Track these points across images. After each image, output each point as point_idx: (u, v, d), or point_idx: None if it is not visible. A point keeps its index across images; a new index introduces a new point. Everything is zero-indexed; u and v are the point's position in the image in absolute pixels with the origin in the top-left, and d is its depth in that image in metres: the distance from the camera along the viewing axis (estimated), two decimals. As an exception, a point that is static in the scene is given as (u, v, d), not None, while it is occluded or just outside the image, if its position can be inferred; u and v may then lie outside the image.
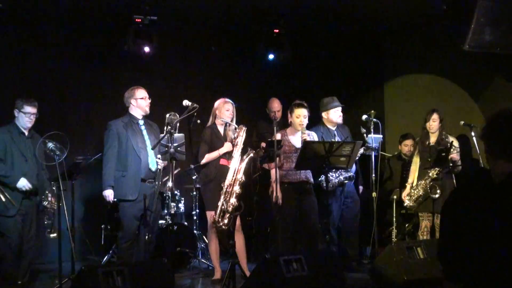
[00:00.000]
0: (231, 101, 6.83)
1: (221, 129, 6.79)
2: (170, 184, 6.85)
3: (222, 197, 6.30)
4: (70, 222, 6.06)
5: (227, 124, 6.74)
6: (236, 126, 6.67)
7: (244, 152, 6.42)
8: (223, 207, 6.27)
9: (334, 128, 7.41)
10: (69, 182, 6.20)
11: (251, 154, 6.31)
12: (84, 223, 8.04)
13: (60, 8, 7.96)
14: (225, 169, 6.46)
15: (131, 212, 6.37)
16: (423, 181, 7.15)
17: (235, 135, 6.57)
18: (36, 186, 6.47)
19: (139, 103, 6.56)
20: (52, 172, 6.41)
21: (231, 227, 6.25)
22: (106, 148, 6.50)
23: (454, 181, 7.16)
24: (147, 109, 6.60)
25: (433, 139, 7.30)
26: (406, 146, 8.27)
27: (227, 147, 6.62)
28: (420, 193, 7.15)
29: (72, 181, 6.32)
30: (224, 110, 6.77)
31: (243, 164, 6.31)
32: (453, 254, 2.48)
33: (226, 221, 6.26)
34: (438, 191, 7.00)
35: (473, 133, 7.31)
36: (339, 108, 7.38)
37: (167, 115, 6.39)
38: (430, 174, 7.09)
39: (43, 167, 6.58)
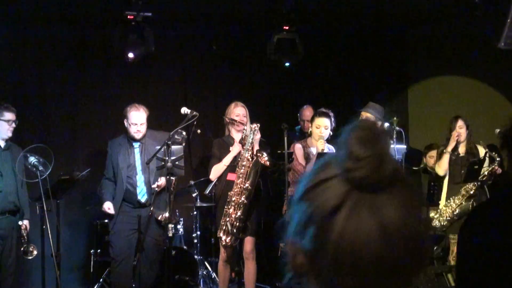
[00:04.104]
0: (242, 104, 6.82)
1: (237, 138, 6.73)
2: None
3: (225, 207, 6.33)
4: (55, 247, 6.09)
5: (235, 125, 6.69)
6: (246, 127, 6.60)
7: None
8: (227, 219, 6.30)
9: None
10: (53, 201, 6.23)
11: (260, 160, 6.26)
12: (71, 248, 8.05)
13: (40, 3, 7.95)
14: (233, 186, 6.44)
15: (121, 234, 6.60)
16: (458, 197, 7.13)
17: (243, 136, 6.56)
18: (17, 205, 6.51)
19: (129, 127, 6.71)
20: (34, 190, 6.45)
21: (238, 250, 6.28)
22: (105, 174, 6.88)
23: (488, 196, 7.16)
24: (136, 136, 6.72)
25: (462, 149, 7.30)
26: (432, 157, 8.24)
27: (234, 151, 6.55)
28: (456, 211, 7.12)
29: (57, 201, 6.36)
30: (234, 115, 6.77)
31: (252, 171, 6.29)
32: None
33: (229, 238, 6.28)
34: None
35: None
36: (364, 115, 7.35)
37: (171, 133, 6.35)
38: (468, 189, 7.07)
39: (22, 184, 6.60)
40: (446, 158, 7.34)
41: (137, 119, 6.68)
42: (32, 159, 6.12)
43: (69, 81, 8.42)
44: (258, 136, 6.48)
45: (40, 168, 6.06)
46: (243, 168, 6.32)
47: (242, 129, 6.62)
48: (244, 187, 6.28)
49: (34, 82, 8.25)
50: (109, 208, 6.66)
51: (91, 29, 8.37)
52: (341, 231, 1.10)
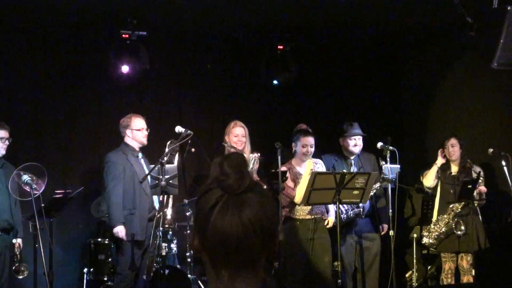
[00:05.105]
0: (242, 124, 6.80)
1: None
2: (169, 216, 6.81)
3: None
4: (47, 265, 6.06)
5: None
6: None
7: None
8: None
9: (352, 157, 7.41)
10: (46, 219, 6.21)
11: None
12: (63, 267, 8.01)
13: (35, 22, 7.99)
14: None
15: (135, 253, 6.52)
16: (446, 216, 7.16)
17: None
18: (10, 224, 6.49)
19: (135, 134, 6.68)
20: (27, 208, 6.43)
21: None
22: (111, 184, 6.56)
23: (480, 217, 7.19)
24: (144, 141, 6.75)
25: (454, 168, 7.32)
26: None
27: None
28: (442, 230, 7.16)
29: (50, 219, 6.34)
30: (232, 136, 6.76)
31: None
32: None
33: None
34: (463, 227, 7.00)
35: (504, 163, 7.32)
36: (357, 137, 7.37)
37: (168, 143, 6.39)
38: (454, 208, 7.11)
39: (16, 202, 6.59)
40: (433, 170, 7.38)
41: (142, 124, 6.75)
42: (26, 177, 6.11)
43: (63, 100, 8.43)
44: (257, 166, 6.50)
45: (34, 186, 6.06)
46: None
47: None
48: None
49: (28, 100, 8.27)
50: (120, 232, 6.47)
51: (86, 48, 8.38)
52: (214, 221, 1.72)
